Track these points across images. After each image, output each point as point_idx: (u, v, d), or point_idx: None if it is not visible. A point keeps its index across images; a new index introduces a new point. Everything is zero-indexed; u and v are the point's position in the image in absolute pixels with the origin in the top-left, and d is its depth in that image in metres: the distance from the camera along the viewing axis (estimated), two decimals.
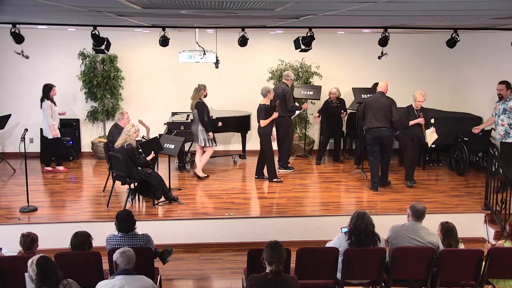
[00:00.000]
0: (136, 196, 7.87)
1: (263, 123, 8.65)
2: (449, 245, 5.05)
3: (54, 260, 4.78)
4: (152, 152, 7.62)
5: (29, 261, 3.97)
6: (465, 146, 9.17)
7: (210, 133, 8.84)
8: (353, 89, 10.07)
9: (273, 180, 8.85)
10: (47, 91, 9.18)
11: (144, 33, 9.99)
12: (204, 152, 9.06)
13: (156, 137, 8.15)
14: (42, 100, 9.23)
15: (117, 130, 7.95)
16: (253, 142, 10.00)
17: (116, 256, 4.23)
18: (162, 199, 7.70)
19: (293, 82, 9.70)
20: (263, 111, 8.64)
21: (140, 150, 7.53)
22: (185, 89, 10.67)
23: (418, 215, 5.11)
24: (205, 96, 8.86)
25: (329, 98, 9.97)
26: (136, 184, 7.75)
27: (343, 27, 8.24)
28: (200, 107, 8.75)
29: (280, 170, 9.28)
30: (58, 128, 9.37)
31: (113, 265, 4.29)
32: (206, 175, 9.11)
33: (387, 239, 5.18)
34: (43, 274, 3.88)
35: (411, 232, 5.06)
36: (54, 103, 9.27)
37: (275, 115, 8.70)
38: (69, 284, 4.04)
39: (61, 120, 10.42)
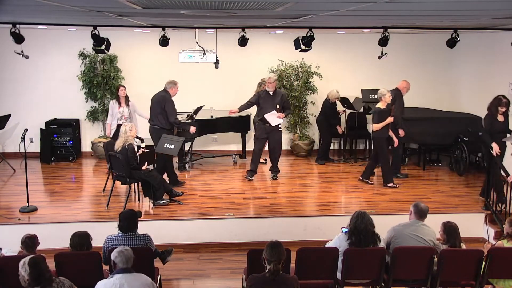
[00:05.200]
0: (136, 196, 7.86)
1: (376, 127, 8.39)
2: (453, 246, 5.02)
3: (54, 260, 4.81)
4: (146, 163, 7.63)
5: (21, 262, 3.91)
6: (465, 146, 9.18)
7: None
8: (362, 90, 10.11)
9: (388, 185, 8.56)
10: (116, 91, 9.40)
11: (144, 33, 9.98)
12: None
13: (152, 150, 8.01)
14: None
15: (165, 98, 8.17)
16: (253, 142, 9.96)
17: (114, 255, 4.23)
18: (163, 200, 7.66)
19: (276, 86, 8.81)
20: (376, 115, 8.40)
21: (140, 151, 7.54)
22: (185, 89, 10.68)
23: (421, 214, 5.16)
24: None
25: (327, 98, 10.05)
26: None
27: (343, 27, 8.25)
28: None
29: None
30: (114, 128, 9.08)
31: (112, 264, 4.29)
32: None
33: (388, 240, 5.17)
34: (37, 273, 3.83)
35: (414, 230, 5.11)
36: (119, 103, 9.19)
37: (390, 119, 8.38)
38: (62, 282, 3.99)
39: (60, 120, 10.46)
